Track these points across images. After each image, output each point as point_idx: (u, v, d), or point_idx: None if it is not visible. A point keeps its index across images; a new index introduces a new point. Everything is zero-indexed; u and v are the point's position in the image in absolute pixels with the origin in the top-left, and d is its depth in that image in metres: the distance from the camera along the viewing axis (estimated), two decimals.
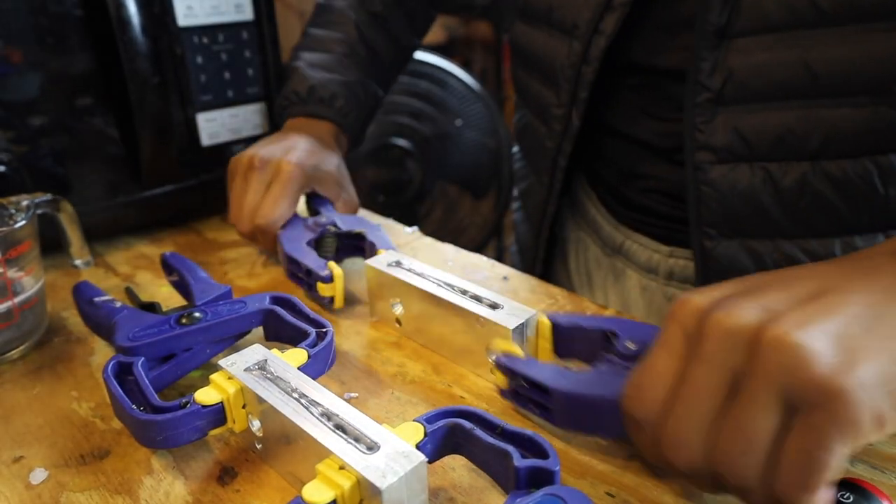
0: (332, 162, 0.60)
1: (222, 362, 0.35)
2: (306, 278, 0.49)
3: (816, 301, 0.26)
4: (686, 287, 0.59)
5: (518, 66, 0.67)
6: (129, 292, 0.48)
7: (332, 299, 0.48)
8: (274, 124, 0.69)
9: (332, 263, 0.48)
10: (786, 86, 0.45)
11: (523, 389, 0.35)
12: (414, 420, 0.31)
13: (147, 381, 0.35)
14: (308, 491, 0.27)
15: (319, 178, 0.57)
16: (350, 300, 0.51)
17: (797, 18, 0.43)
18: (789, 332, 0.25)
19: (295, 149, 0.57)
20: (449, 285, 0.42)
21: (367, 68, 0.69)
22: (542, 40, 0.60)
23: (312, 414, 0.31)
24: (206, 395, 0.33)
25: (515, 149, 0.76)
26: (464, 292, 0.41)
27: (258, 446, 0.35)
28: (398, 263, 0.46)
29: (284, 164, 0.55)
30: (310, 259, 0.49)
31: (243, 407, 0.34)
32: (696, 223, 0.51)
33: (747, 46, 0.45)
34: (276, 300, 0.42)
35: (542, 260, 0.69)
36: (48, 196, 0.48)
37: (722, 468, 0.26)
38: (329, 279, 0.47)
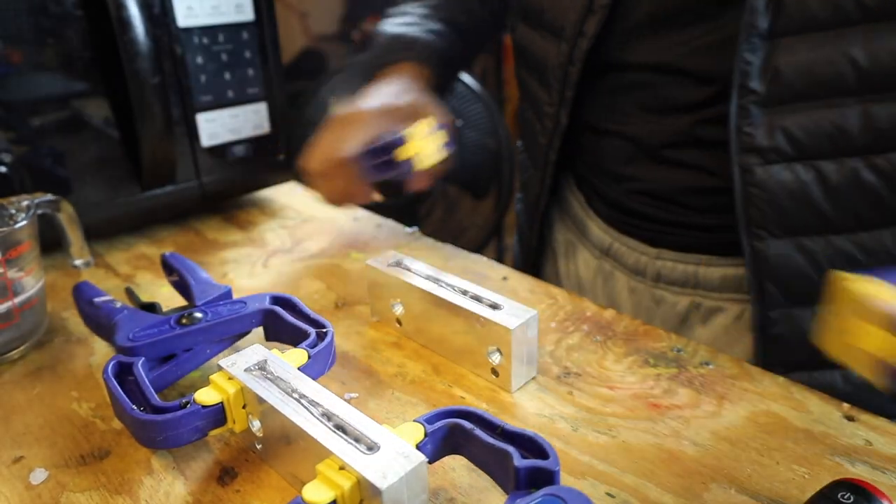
0: (406, 95, 0.60)
1: (222, 362, 0.35)
2: (386, 158, 0.53)
3: None
4: (673, 289, 0.60)
5: (520, 66, 0.69)
6: (130, 292, 0.48)
7: (413, 162, 0.51)
8: (274, 124, 0.69)
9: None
10: (832, 83, 0.45)
11: None
12: (414, 420, 0.31)
13: (147, 382, 0.35)
14: (308, 491, 0.27)
15: (393, 114, 0.58)
16: (350, 300, 0.51)
17: (842, 16, 0.43)
18: None
19: (366, 97, 0.59)
20: (449, 285, 0.42)
21: (447, 25, 0.70)
22: (537, 41, 0.61)
23: (312, 414, 0.31)
24: (206, 396, 0.33)
25: (521, 142, 0.77)
26: (464, 292, 0.41)
27: (258, 446, 0.35)
28: (398, 263, 0.46)
29: (353, 112, 0.57)
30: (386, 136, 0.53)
31: (243, 407, 0.34)
32: (745, 225, 0.51)
33: (792, 46, 0.45)
34: (277, 300, 0.42)
35: (535, 249, 0.71)
36: (48, 196, 0.48)
37: None
38: (401, 141, 0.51)
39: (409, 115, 0.58)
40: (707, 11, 0.49)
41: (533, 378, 0.41)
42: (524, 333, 0.39)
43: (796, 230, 0.50)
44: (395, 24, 0.69)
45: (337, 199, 0.59)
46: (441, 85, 0.68)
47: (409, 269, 0.45)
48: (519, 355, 0.39)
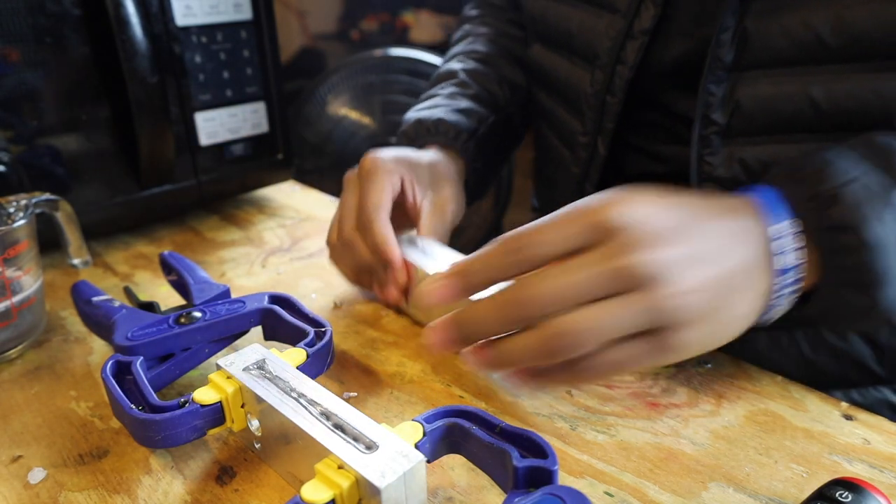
0: (422, 159, 0.53)
1: (221, 362, 0.35)
2: None
3: None
4: None
5: (538, 87, 0.66)
6: (128, 292, 0.48)
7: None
8: (272, 124, 0.69)
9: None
10: (791, 119, 0.44)
11: None
12: (413, 419, 0.31)
13: (146, 381, 0.35)
14: (307, 490, 0.27)
15: (412, 168, 0.51)
16: (348, 299, 0.51)
17: (805, 55, 0.43)
18: None
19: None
20: None
21: (478, 101, 0.64)
22: (563, 66, 0.58)
23: (311, 413, 0.31)
24: (204, 395, 0.33)
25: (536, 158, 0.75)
26: None
27: (257, 446, 0.35)
28: (410, 241, 0.46)
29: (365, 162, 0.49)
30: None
31: (242, 406, 0.34)
32: None
33: (755, 80, 0.45)
34: (275, 299, 0.42)
35: None
36: (47, 195, 0.48)
37: None
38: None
39: (429, 174, 0.52)
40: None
41: None
42: None
43: None
44: (418, 110, 0.63)
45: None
46: (480, 171, 0.62)
47: (422, 251, 0.45)
48: None
